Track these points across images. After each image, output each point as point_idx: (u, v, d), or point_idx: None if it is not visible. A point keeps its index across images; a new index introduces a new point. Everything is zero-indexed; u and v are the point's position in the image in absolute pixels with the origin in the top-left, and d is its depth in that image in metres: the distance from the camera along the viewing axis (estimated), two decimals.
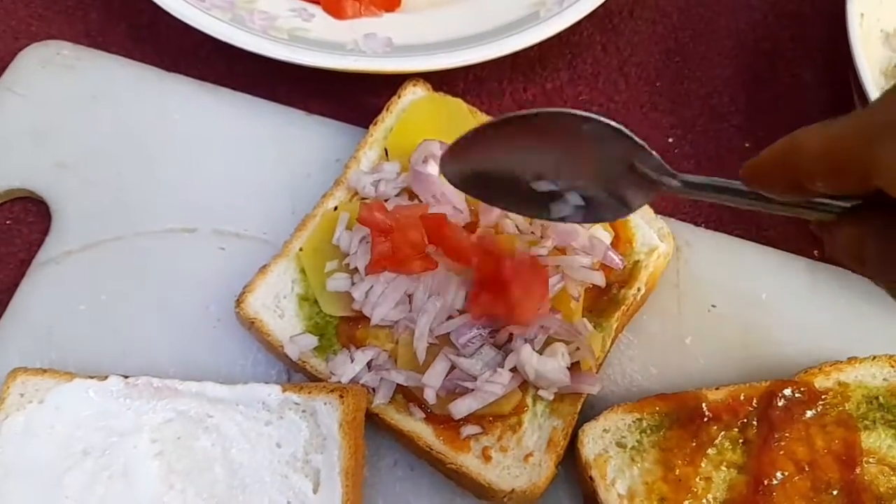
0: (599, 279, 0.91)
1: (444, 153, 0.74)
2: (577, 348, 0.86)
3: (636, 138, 0.66)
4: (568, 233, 0.91)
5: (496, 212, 0.91)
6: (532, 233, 0.92)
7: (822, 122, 0.57)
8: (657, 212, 0.97)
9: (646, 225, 0.96)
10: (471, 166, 0.73)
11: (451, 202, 0.92)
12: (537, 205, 0.73)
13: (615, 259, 0.91)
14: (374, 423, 0.87)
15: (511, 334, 0.86)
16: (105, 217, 1.00)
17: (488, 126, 0.71)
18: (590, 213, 0.72)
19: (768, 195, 0.61)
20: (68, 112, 1.05)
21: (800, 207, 0.62)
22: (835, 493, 0.82)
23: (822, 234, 0.62)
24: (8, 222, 1.03)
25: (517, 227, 0.92)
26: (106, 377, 0.85)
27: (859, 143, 0.54)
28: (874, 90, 0.93)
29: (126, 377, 0.85)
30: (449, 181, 0.76)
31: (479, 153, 0.72)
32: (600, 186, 0.69)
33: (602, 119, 0.66)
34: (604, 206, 0.70)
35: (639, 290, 0.92)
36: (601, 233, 0.93)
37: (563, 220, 0.73)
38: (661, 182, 0.65)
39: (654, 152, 0.65)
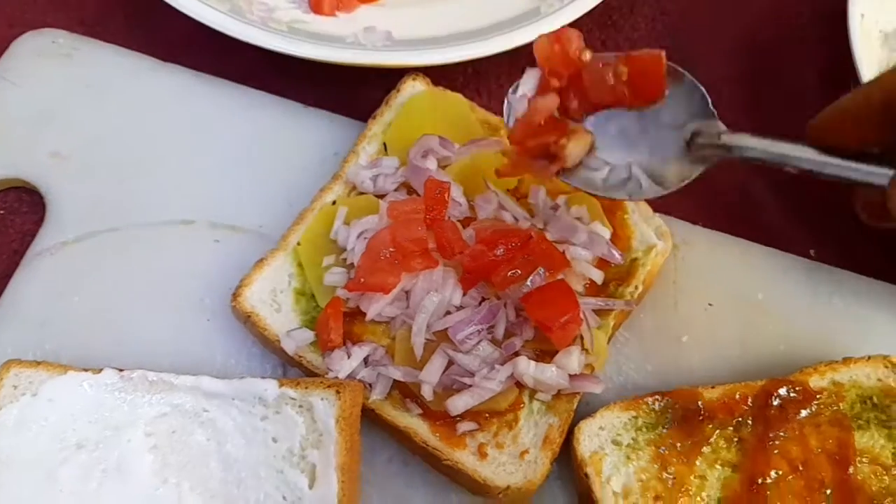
0: (598, 276, 0.90)
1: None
2: (588, 350, 0.86)
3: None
4: (567, 228, 0.90)
5: (493, 205, 0.91)
6: (533, 225, 0.91)
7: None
8: (655, 210, 0.97)
9: (643, 223, 0.95)
10: None
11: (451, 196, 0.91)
12: None
13: (615, 254, 0.91)
14: (368, 418, 0.87)
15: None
16: (100, 208, 0.99)
17: None
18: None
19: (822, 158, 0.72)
20: (63, 101, 1.04)
21: (852, 170, 0.72)
22: (828, 492, 0.83)
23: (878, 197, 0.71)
24: (1, 212, 1.02)
25: (514, 218, 0.91)
26: (100, 370, 0.85)
27: None
28: None
29: (121, 370, 0.84)
30: None
31: None
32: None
33: None
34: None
35: (636, 288, 0.91)
36: (600, 228, 0.92)
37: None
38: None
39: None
